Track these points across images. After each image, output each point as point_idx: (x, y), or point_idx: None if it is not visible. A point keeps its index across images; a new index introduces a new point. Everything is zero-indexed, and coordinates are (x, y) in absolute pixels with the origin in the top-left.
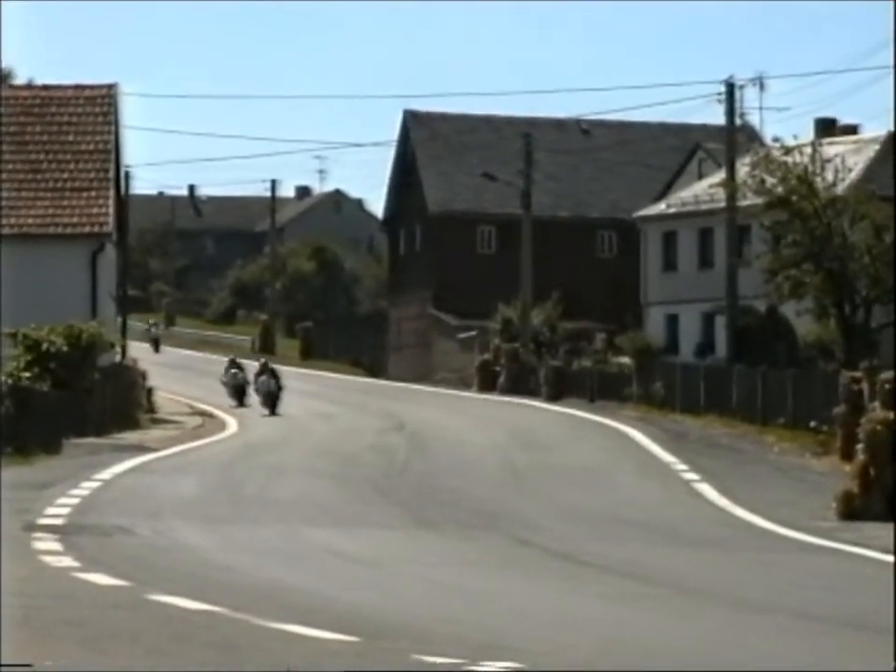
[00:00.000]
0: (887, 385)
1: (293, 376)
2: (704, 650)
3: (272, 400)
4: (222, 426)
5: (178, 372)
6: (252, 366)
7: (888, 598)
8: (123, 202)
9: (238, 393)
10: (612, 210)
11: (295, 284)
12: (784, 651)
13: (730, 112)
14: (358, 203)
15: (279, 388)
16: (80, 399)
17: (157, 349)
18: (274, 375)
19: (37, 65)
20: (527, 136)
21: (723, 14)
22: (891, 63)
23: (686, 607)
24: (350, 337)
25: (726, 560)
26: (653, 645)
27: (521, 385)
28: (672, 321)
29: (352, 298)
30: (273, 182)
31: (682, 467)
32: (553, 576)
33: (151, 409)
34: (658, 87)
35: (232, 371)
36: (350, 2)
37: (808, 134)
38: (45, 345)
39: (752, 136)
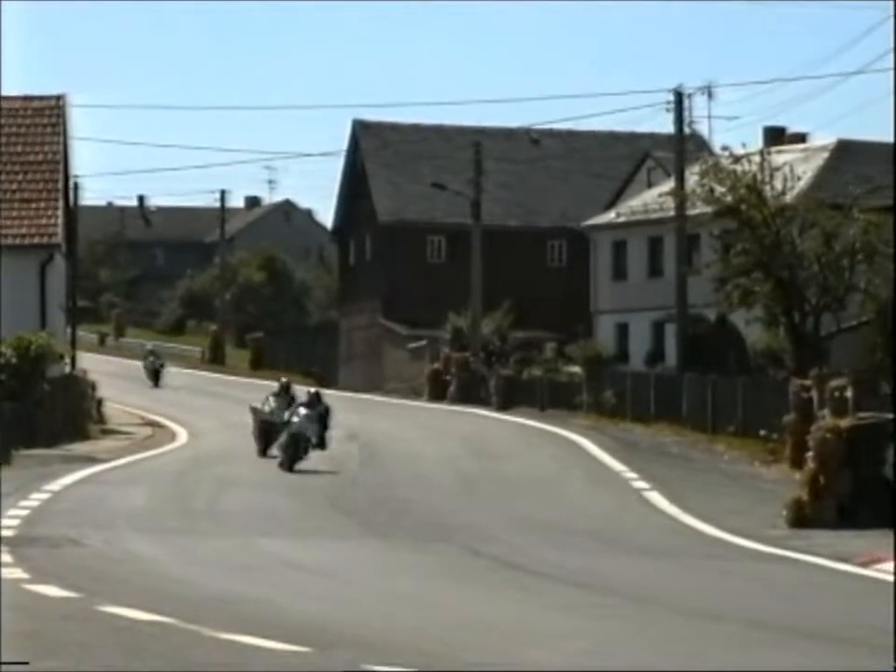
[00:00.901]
0: (836, 393)
1: (243, 387)
2: (658, 659)
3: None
4: (172, 436)
5: (128, 383)
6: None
7: (838, 606)
8: (72, 212)
9: (264, 435)
10: (562, 219)
11: (245, 294)
12: (738, 661)
13: (679, 121)
14: (308, 214)
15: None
16: (30, 411)
17: (156, 383)
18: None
19: None
20: (477, 146)
21: (672, 22)
22: (892, 64)
23: (639, 616)
24: (300, 347)
25: (678, 569)
26: (608, 654)
27: (471, 394)
28: (622, 330)
29: (302, 308)
30: (223, 192)
31: (633, 475)
32: (506, 586)
33: (101, 420)
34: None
35: (302, 411)
36: (301, 9)
37: (757, 143)
38: None
39: (701, 145)
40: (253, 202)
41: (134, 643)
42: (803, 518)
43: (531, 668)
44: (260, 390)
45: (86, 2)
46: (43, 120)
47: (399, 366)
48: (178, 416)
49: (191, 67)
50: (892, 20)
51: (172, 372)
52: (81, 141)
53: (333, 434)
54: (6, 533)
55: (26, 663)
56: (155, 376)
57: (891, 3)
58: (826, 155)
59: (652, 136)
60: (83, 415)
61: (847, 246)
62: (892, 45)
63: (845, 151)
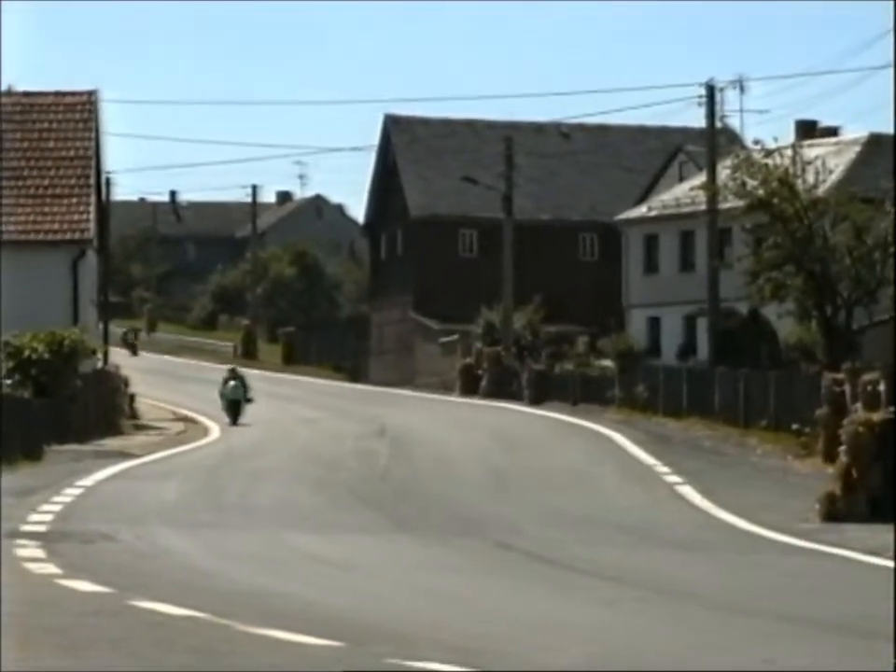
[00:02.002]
0: (869, 387)
1: (275, 381)
2: (690, 653)
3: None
4: (205, 431)
5: (161, 378)
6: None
7: (870, 600)
8: (104, 208)
9: (232, 409)
10: (593, 213)
11: (276, 289)
12: (769, 654)
13: (710, 115)
14: (339, 208)
15: (246, 399)
16: (62, 406)
17: (135, 352)
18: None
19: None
20: (508, 140)
21: (703, 16)
22: (892, 62)
23: (671, 610)
24: (332, 342)
25: (710, 562)
26: (640, 648)
27: (503, 388)
28: (654, 324)
29: (333, 302)
30: (254, 187)
31: (665, 469)
32: (537, 580)
33: (133, 415)
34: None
35: (231, 383)
36: (331, 6)
37: (789, 137)
38: (27, 352)
39: (733, 139)
40: (284, 197)
41: (167, 638)
42: (835, 512)
43: (563, 662)
44: (294, 385)
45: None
46: (75, 116)
47: (431, 360)
48: (210, 412)
49: (223, 62)
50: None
51: (203, 367)
52: (113, 136)
53: (362, 429)
54: (39, 529)
55: None
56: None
57: None
58: (858, 148)
59: (684, 130)
60: (115, 411)
61: (879, 240)
62: (892, 46)
63: (877, 145)
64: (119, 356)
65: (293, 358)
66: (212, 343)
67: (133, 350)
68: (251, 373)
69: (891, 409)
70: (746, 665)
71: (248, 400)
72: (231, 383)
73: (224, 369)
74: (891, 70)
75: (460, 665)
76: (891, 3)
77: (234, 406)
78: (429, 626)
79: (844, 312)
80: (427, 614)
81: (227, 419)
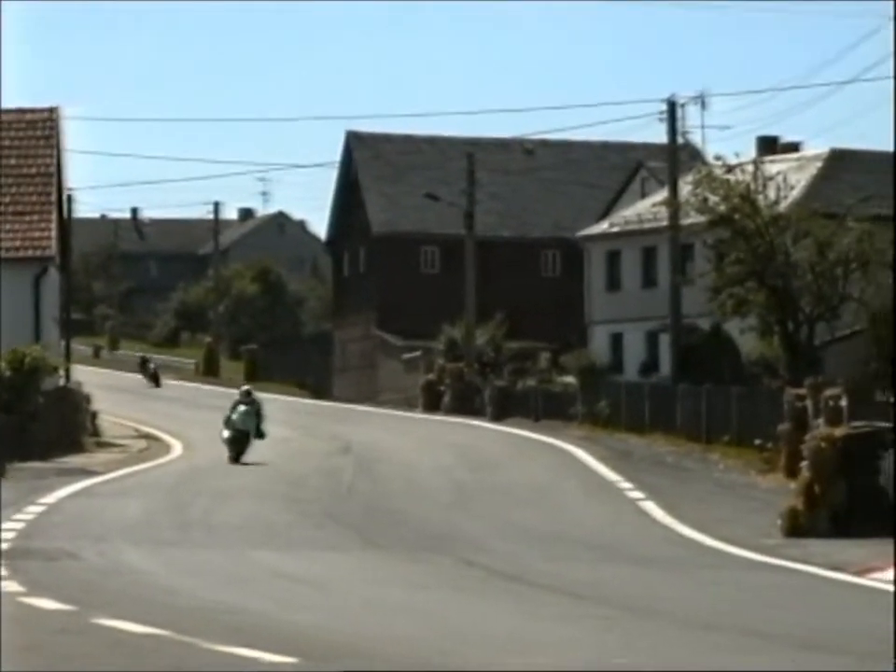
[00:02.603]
0: (831, 402)
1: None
2: (654, 668)
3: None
4: (167, 448)
5: (123, 396)
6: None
7: (834, 616)
8: (66, 225)
9: (237, 443)
10: (556, 229)
11: (239, 306)
12: (733, 669)
13: (672, 131)
14: (301, 225)
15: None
16: (24, 423)
17: (157, 383)
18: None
19: None
20: (470, 156)
21: (664, 32)
22: (892, 69)
23: (636, 626)
24: (295, 359)
25: (674, 578)
26: (607, 665)
27: (466, 404)
28: (616, 340)
29: (296, 319)
30: (216, 204)
31: (628, 485)
32: (502, 596)
33: (96, 432)
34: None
35: (242, 408)
36: (294, 22)
37: (750, 152)
38: None
39: (694, 155)
40: (246, 213)
41: (131, 656)
42: (798, 527)
43: None
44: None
45: (78, 14)
46: (36, 133)
47: (394, 377)
48: (173, 429)
49: (185, 79)
50: (892, 25)
51: (167, 384)
52: (75, 153)
53: (326, 446)
54: (2, 546)
55: None
56: (154, 379)
57: (889, 10)
58: (819, 164)
59: (646, 146)
60: (78, 428)
61: (841, 256)
62: (892, 50)
63: (838, 160)
64: (82, 373)
65: (256, 375)
66: (175, 360)
67: (156, 381)
68: (212, 390)
69: (854, 424)
70: None
71: (260, 435)
72: (242, 408)
73: (190, 387)
74: (891, 83)
75: None
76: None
77: (241, 439)
78: (394, 642)
79: (806, 327)
80: (393, 630)
81: (228, 453)
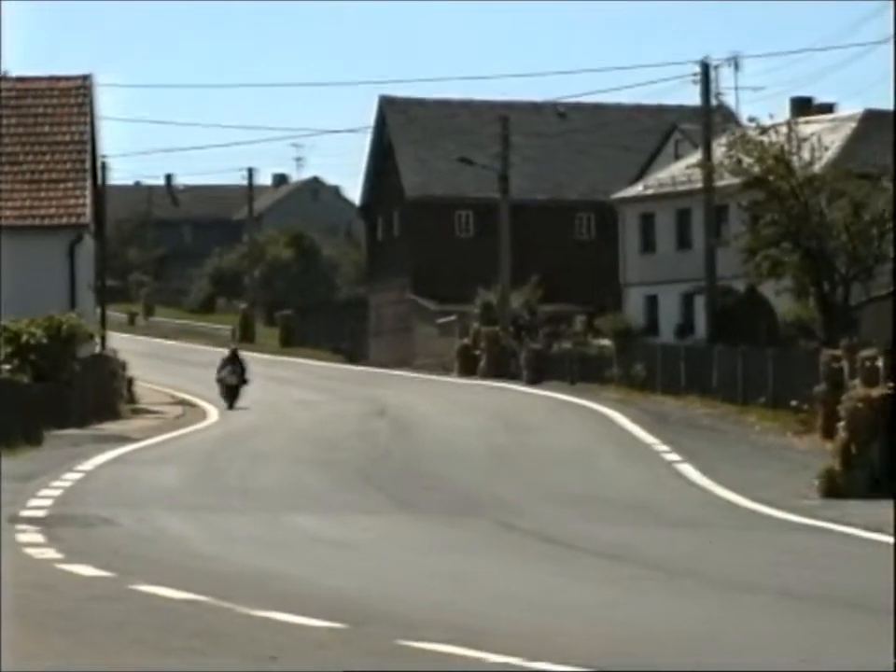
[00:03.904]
0: (867, 363)
1: (273, 364)
2: (693, 630)
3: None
4: (203, 414)
5: (159, 362)
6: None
7: (871, 575)
8: (100, 192)
9: (230, 393)
10: (590, 192)
11: (273, 271)
12: (771, 631)
13: (705, 93)
14: (335, 190)
15: (243, 381)
16: (61, 391)
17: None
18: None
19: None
20: (504, 120)
21: None
22: (891, 60)
23: (674, 588)
24: (330, 324)
25: (710, 540)
26: (645, 627)
27: (501, 368)
28: (651, 302)
29: (331, 285)
30: (250, 170)
31: (664, 448)
32: (539, 559)
33: (132, 399)
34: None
35: (228, 367)
36: None
37: (784, 114)
38: (25, 337)
39: (728, 116)
40: (280, 179)
41: (168, 621)
42: (835, 488)
43: (567, 642)
44: (292, 368)
45: None
46: (70, 101)
47: (429, 341)
48: (208, 395)
49: (220, 45)
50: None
51: (201, 350)
52: (108, 121)
53: (362, 410)
54: (39, 513)
55: None
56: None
57: None
58: (853, 125)
59: (679, 108)
60: (114, 395)
61: (876, 216)
62: (892, 45)
63: (872, 121)
64: (117, 340)
65: (291, 341)
66: (209, 326)
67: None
68: (249, 356)
69: (890, 385)
70: (751, 642)
71: (244, 381)
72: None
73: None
74: (891, 46)
75: (463, 645)
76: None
77: (233, 390)
78: (433, 607)
79: (841, 288)
80: (431, 595)
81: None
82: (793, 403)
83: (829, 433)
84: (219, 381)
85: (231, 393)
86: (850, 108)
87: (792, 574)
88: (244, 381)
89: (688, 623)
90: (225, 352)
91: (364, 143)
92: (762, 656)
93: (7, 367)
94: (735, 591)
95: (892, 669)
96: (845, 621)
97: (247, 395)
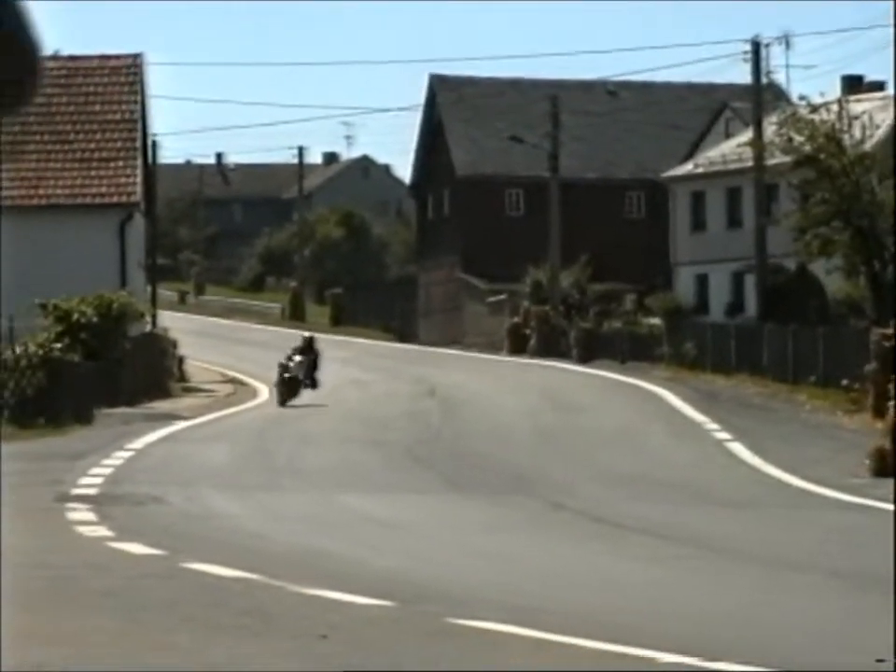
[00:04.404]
0: None
1: (324, 343)
2: (739, 609)
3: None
4: (253, 393)
5: (209, 341)
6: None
7: None
8: (151, 171)
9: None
10: (640, 171)
11: (323, 250)
12: (818, 611)
13: (756, 71)
14: (386, 169)
15: (312, 380)
16: (112, 369)
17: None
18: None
19: (63, 36)
20: (554, 99)
21: None
22: (892, 60)
23: (723, 566)
24: (380, 303)
25: (761, 519)
26: (694, 605)
27: (551, 347)
28: (702, 281)
29: (381, 263)
30: (300, 149)
31: (714, 426)
32: (589, 538)
33: (182, 378)
34: (683, 47)
35: (297, 358)
36: None
37: (835, 92)
38: (75, 316)
39: (779, 95)
40: (331, 158)
41: (220, 600)
42: (885, 467)
43: (618, 620)
44: (343, 347)
45: None
46: (120, 79)
47: (479, 320)
48: (259, 373)
49: (268, 23)
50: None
51: (251, 328)
52: (159, 99)
53: (412, 389)
54: (90, 492)
55: None
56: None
57: None
58: None
59: (730, 87)
60: (165, 373)
61: None
62: (892, 45)
63: None
64: (167, 318)
65: (341, 319)
66: (260, 304)
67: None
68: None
69: None
70: (800, 622)
71: (313, 381)
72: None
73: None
74: (892, 45)
75: (516, 624)
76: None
77: (294, 385)
78: (483, 586)
79: (892, 267)
80: (480, 574)
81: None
82: (844, 382)
83: (879, 412)
84: (283, 370)
85: (290, 388)
86: None
87: (842, 553)
88: (312, 380)
89: (737, 603)
90: (297, 339)
91: (415, 121)
92: (808, 637)
93: (58, 346)
94: (784, 570)
95: (892, 670)
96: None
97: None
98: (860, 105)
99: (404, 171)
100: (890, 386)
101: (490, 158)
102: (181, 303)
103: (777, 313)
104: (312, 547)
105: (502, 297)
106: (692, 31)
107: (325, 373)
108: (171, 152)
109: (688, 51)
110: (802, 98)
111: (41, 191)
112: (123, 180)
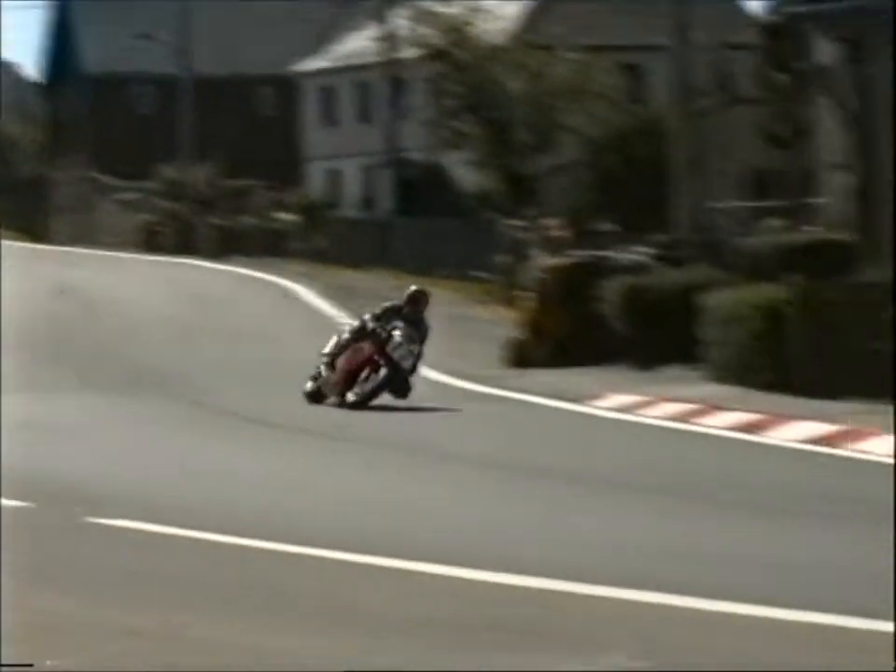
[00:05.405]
0: (552, 233)
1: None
2: (387, 498)
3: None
4: None
5: None
6: None
7: (560, 442)
8: None
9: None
10: (271, 66)
11: None
12: (464, 499)
13: None
14: (12, 66)
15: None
16: None
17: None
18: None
19: None
20: None
21: None
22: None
23: (380, 460)
24: (11, 203)
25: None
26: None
27: (186, 244)
28: (334, 176)
29: (10, 163)
30: None
31: (349, 321)
32: (221, 434)
33: None
34: None
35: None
36: None
37: None
38: None
39: None
40: None
41: None
42: (520, 358)
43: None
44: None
45: None
46: None
47: (113, 218)
48: None
49: None
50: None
51: None
52: None
53: (48, 289)
54: None
55: (30, 665)
56: None
57: None
58: None
59: None
60: None
61: (556, 87)
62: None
63: None
64: None
65: None
66: None
67: None
68: None
69: (575, 254)
70: (448, 509)
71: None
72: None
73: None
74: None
75: (152, 522)
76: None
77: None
78: (122, 484)
79: (522, 158)
80: (120, 473)
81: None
82: (477, 274)
83: (513, 304)
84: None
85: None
86: None
87: (488, 443)
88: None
89: (376, 495)
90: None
91: (43, 18)
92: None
93: None
94: (437, 462)
95: (893, 670)
96: (539, 487)
97: None
98: None
99: (33, 69)
100: (525, 278)
101: (120, 55)
102: None
103: (411, 207)
104: None
105: (136, 195)
106: None
107: None
108: None
109: None
110: None
111: None
112: None
